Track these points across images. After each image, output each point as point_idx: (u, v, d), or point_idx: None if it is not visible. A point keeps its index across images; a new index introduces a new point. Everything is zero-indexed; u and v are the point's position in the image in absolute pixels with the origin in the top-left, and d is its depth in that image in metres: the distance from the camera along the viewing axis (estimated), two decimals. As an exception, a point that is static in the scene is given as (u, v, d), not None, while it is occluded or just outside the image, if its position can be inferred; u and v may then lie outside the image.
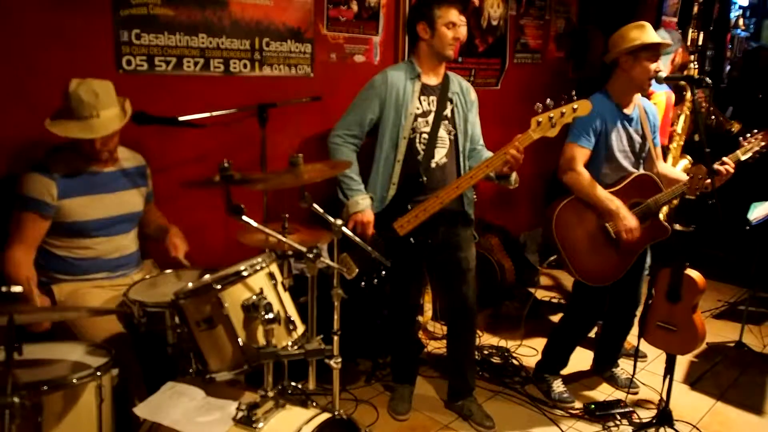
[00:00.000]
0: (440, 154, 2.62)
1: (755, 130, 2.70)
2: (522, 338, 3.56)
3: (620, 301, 3.04)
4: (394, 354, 3.04)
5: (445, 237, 2.68)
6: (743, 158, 2.66)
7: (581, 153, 2.67)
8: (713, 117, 3.97)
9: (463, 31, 2.57)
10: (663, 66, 3.33)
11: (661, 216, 3.44)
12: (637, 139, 2.76)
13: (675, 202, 3.42)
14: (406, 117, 2.57)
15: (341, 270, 2.00)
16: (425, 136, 2.59)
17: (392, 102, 2.57)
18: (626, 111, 2.73)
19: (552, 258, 2.75)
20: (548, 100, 2.37)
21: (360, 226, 2.53)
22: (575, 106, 2.34)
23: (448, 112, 2.64)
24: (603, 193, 2.65)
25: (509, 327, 3.73)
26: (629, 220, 2.62)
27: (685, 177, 2.82)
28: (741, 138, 2.69)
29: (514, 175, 2.55)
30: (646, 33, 2.61)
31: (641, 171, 2.77)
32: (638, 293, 3.00)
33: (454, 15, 2.53)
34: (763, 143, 2.69)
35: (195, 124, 2.59)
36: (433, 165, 2.61)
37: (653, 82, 2.69)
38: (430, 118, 2.60)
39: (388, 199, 2.60)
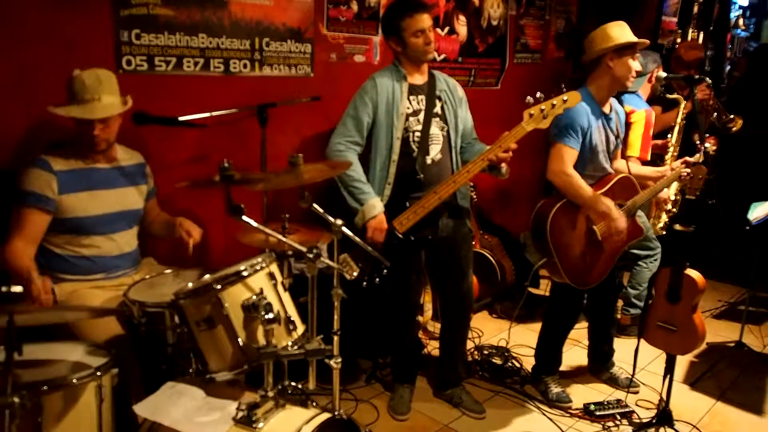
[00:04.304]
0: (435, 151, 2.66)
1: (706, 134, 2.72)
2: (510, 333, 3.55)
3: (598, 298, 3.05)
4: (395, 354, 3.04)
5: (444, 233, 2.70)
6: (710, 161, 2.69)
7: (571, 154, 2.63)
8: (716, 114, 3.98)
9: (431, 36, 2.58)
10: (640, 87, 3.42)
11: (665, 218, 3.46)
12: (612, 139, 2.79)
13: (674, 209, 3.44)
14: (397, 117, 2.60)
15: (341, 270, 2.00)
16: (418, 134, 2.63)
17: (383, 105, 2.60)
18: (605, 110, 2.75)
19: (542, 260, 2.71)
20: (538, 93, 2.38)
21: (379, 233, 2.54)
22: (565, 98, 2.37)
23: (438, 109, 2.67)
24: (594, 195, 2.64)
25: (509, 327, 3.72)
26: (621, 221, 2.64)
27: (645, 172, 2.89)
28: (698, 143, 2.72)
29: (504, 167, 2.56)
30: (627, 32, 2.64)
31: (623, 173, 2.78)
32: (613, 281, 3.01)
33: (418, 23, 2.54)
34: (714, 148, 2.71)
35: (195, 124, 2.59)
36: (428, 161, 2.64)
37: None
38: (421, 116, 2.64)
39: (384, 199, 2.63)
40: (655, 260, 3.56)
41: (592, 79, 2.74)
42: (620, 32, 2.63)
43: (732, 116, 3.98)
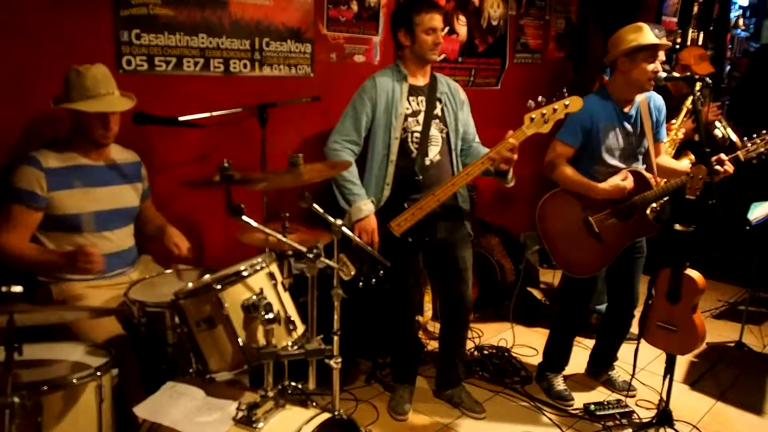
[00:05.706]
0: (434, 152, 2.66)
1: (764, 131, 2.63)
2: (510, 333, 3.56)
3: (617, 302, 3.04)
4: (394, 354, 3.04)
5: (442, 235, 2.71)
6: (743, 159, 2.62)
7: (565, 150, 2.74)
8: (724, 137, 3.79)
9: (440, 38, 2.60)
10: None
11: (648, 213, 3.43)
12: (635, 136, 2.77)
13: (657, 207, 3.39)
14: (396, 117, 2.60)
15: (340, 270, 2.00)
16: (417, 135, 2.63)
17: (383, 104, 2.60)
18: (625, 110, 2.73)
19: (536, 248, 2.81)
20: (540, 98, 2.39)
21: (367, 235, 2.54)
22: (567, 103, 2.38)
23: (438, 111, 2.68)
24: (586, 181, 2.70)
25: (509, 327, 3.73)
26: (611, 184, 2.65)
27: (684, 168, 2.83)
28: (745, 138, 2.65)
29: (510, 173, 2.57)
30: (643, 34, 2.60)
31: (631, 167, 2.77)
32: (635, 294, 3.00)
33: (433, 21, 2.56)
34: (762, 149, 2.64)
35: (195, 124, 2.59)
36: (427, 163, 2.65)
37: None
38: (420, 117, 2.64)
39: (383, 200, 2.63)
40: None
41: (611, 81, 2.76)
42: (634, 36, 2.59)
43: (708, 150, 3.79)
